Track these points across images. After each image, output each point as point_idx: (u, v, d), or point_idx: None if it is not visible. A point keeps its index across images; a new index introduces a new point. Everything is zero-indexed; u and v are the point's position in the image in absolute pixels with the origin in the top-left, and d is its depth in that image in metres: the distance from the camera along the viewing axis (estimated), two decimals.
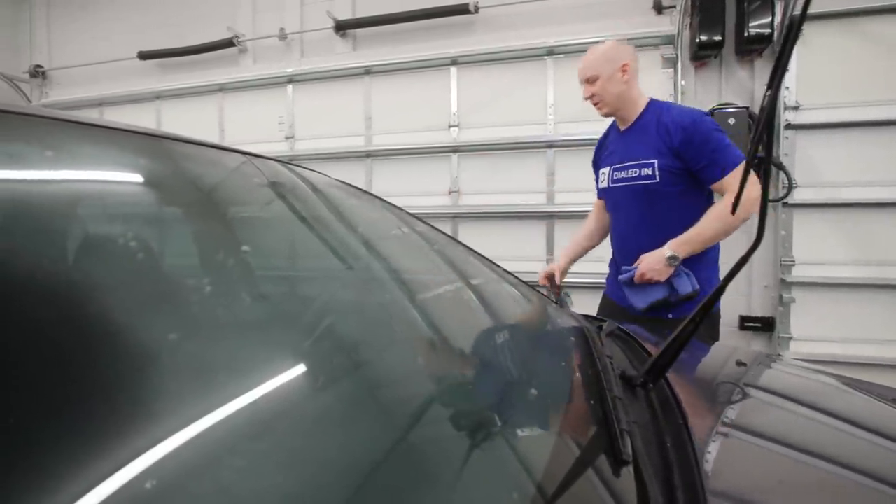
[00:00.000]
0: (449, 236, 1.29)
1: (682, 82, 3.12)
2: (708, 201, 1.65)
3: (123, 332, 0.42)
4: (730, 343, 3.03)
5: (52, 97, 4.87)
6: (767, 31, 2.82)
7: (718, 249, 1.70)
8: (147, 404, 0.37)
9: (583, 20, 3.35)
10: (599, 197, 1.93)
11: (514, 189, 3.48)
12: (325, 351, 0.56)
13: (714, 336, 1.78)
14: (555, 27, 3.39)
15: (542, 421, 0.65)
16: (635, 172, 1.67)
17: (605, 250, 1.98)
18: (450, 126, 3.62)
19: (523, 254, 3.39)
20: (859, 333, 2.91)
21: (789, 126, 2.96)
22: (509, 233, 3.52)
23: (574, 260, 2.01)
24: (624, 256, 1.76)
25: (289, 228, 0.85)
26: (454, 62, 3.59)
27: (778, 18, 2.79)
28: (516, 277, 1.26)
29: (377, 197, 1.27)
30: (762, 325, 3.07)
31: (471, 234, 3.53)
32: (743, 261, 0.75)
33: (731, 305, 3.09)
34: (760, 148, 0.76)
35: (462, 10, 3.54)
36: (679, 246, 1.55)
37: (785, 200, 2.96)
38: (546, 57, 3.41)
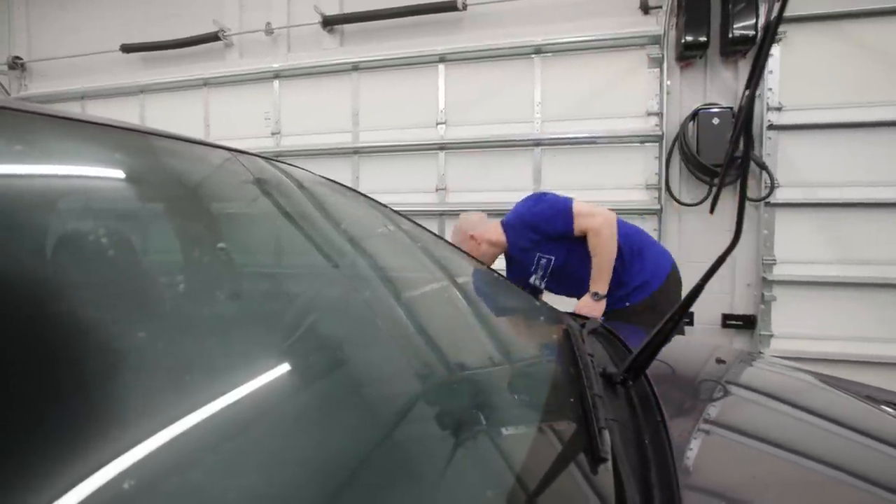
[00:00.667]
0: (434, 234, 1.29)
1: (668, 82, 3.15)
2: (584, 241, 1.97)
3: (103, 330, 0.42)
4: (711, 341, 3.09)
5: (31, 90, 4.77)
6: (751, 32, 2.86)
7: (624, 251, 1.96)
8: (130, 403, 0.37)
9: (570, 19, 3.37)
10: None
11: (501, 187, 3.48)
12: (307, 348, 0.56)
13: (679, 331, 1.85)
14: (543, 26, 3.40)
15: (522, 418, 0.66)
16: (546, 264, 2.07)
17: None
18: (437, 123, 3.62)
19: None
20: (839, 331, 2.97)
21: (772, 126, 3.00)
22: None
23: None
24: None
25: (272, 226, 0.84)
26: (442, 59, 3.59)
27: (762, 21, 2.83)
28: (500, 275, 1.26)
29: (362, 194, 1.27)
30: (744, 323, 3.12)
31: None
32: (720, 260, 0.76)
33: (714, 304, 3.14)
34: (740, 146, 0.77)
35: (450, 7, 3.54)
36: (596, 284, 1.92)
37: (767, 200, 3.01)
38: (533, 55, 3.42)
